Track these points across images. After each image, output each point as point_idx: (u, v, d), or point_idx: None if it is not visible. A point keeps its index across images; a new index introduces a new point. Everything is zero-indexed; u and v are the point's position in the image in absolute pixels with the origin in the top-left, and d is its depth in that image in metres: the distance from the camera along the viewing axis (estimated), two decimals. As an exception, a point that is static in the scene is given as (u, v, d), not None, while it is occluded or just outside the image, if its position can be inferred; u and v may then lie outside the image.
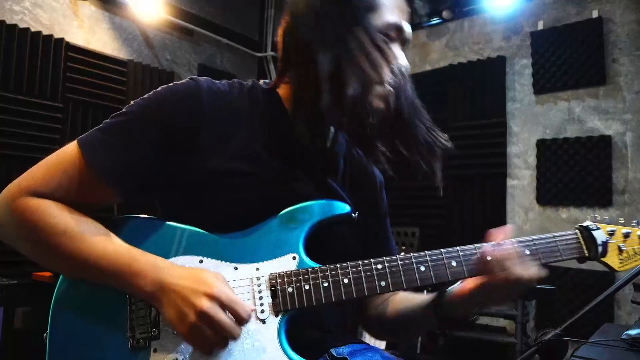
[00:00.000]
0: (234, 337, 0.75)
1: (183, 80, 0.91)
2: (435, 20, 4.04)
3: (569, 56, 3.37)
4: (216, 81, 0.94)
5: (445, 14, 3.85)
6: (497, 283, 0.85)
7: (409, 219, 3.87)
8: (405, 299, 1.07)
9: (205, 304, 0.72)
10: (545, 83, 3.48)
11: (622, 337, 1.18)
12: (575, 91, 3.38)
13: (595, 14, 3.30)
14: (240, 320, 0.75)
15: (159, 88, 0.90)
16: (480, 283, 0.88)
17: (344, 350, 0.96)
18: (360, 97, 0.86)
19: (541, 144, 3.48)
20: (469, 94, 3.83)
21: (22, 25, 3.04)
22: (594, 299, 1.23)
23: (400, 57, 0.95)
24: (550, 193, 3.40)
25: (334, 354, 0.95)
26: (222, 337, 0.74)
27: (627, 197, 3.13)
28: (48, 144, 3.01)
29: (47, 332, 0.84)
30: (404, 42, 0.97)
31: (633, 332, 1.18)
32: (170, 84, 0.90)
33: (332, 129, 1.01)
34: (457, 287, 0.93)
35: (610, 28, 3.26)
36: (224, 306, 0.73)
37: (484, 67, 3.78)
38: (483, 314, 3.33)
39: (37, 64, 3.09)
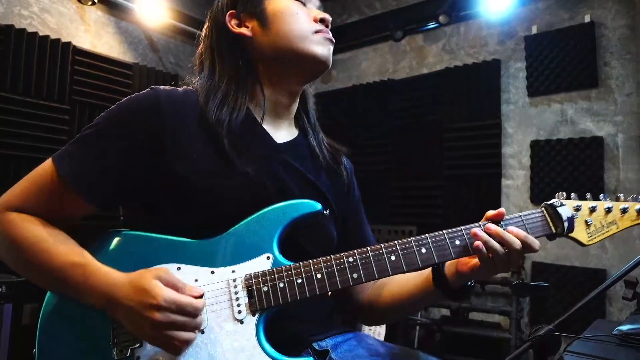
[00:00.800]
0: (197, 328, 0.77)
1: (143, 91, 0.93)
2: (432, 25, 4.04)
3: (562, 59, 3.37)
4: (176, 88, 0.96)
5: (441, 18, 3.84)
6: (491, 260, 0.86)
7: (406, 218, 3.88)
8: (398, 280, 1.07)
9: (157, 316, 0.72)
10: (539, 86, 3.48)
11: (614, 333, 1.18)
12: (568, 94, 3.38)
13: (587, 19, 3.30)
14: (195, 315, 0.76)
15: (122, 99, 0.92)
16: (476, 261, 0.89)
17: (327, 342, 0.97)
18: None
19: (535, 145, 3.48)
20: (465, 96, 3.83)
21: (30, 29, 3.04)
22: (587, 295, 1.23)
23: (315, 11, 1.02)
24: (543, 193, 3.40)
25: (316, 347, 0.95)
26: (186, 334, 0.75)
27: (594, 196, 3.13)
28: (55, 145, 3.01)
29: (36, 347, 0.84)
30: (315, 3, 1.05)
31: (624, 327, 1.18)
32: (132, 95, 0.92)
33: (292, 124, 1.07)
34: (454, 264, 0.94)
35: (601, 32, 3.26)
36: (174, 311, 0.73)
37: (480, 70, 3.77)
38: (478, 310, 3.34)
39: (45, 67, 3.09)
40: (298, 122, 1.10)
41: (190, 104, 0.94)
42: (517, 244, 0.85)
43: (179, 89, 0.97)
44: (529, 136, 3.53)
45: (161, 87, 0.94)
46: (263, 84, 1.01)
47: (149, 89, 0.93)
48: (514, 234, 0.86)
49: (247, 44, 1.00)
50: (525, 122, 3.57)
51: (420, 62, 4.17)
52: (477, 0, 3.71)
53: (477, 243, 0.85)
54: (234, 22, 1.01)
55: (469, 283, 0.96)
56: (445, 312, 3.45)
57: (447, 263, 0.95)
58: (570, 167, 3.29)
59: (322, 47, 0.99)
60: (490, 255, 0.85)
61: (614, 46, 3.22)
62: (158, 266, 0.82)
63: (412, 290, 1.02)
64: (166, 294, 0.74)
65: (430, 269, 0.98)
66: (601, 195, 0.98)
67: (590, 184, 3.18)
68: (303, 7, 1.01)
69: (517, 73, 3.63)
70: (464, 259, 0.91)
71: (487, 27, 3.81)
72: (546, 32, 3.47)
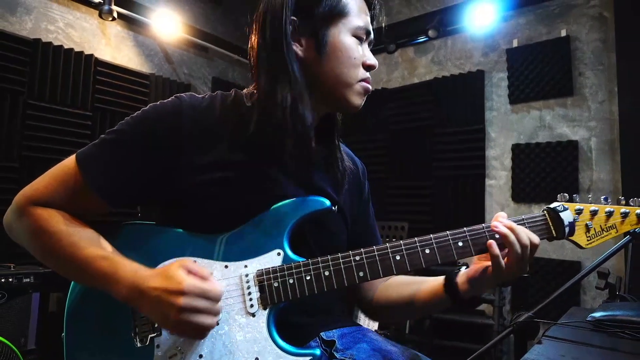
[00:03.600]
0: (217, 314, 0.74)
1: (169, 99, 0.88)
2: (422, 39, 4.04)
3: (540, 70, 3.37)
4: (199, 96, 0.90)
5: (430, 32, 3.84)
6: (507, 262, 0.82)
7: (399, 215, 3.88)
8: (409, 283, 1.02)
9: (181, 301, 0.69)
10: (520, 94, 3.48)
11: (588, 319, 1.18)
12: (546, 101, 3.38)
13: (563, 33, 3.30)
14: (216, 301, 0.73)
15: (147, 106, 0.87)
16: (488, 265, 0.84)
17: (333, 333, 0.94)
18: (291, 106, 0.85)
19: (516, 148, 3.48)
20: (452, 103, 3.83)
21: (56, 43, 3.04)
22: (563, 285, 1.23)
23: (368, 56, 0.93)
24: (523, 192, 3.40)
25: (324, 337, 0.93)
26: (208, 319, 0.72)
27: (591, 195, 3.13)
28: (78, 148, 3.00)
29: (64, 333, 0.83)
30: (370, 42, 0.95)
31: (597, 314, 1.18)
32: (157, 103, 0.87)
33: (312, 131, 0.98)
34: (467, 270, 0.89)
35: (576, 46, 3.26)
36: (197, 295, 0.71)
37: (465, 80, 3.77)
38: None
39: (70, 77, 3.09)
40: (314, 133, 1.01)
41: (213, 113, 0.88)
42: (535, 238, 0.83)
43: (204, 97, 0.90)
44: (511, 140, 3.53)
45: (186, 95, 0.89)
46: None
47: (173, 97, 0.88)
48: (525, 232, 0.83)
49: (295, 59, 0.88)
50: (507, 127, 3.57)
51: (412, 73, 4.17)
52: (463, 16, 3.71)
53: (491, 242, 0.82)
54: (291, 31, 0.87)
55: (482, 295, 0.91)
56: (434, 300, 3.44)
57: (460, 273, 0.91)
58: (548, 168, 3.29)
59: (359, 98, 0.93)
60: (509, 251, 0.81)
61: (588, 58, 3.22)
62: (183, 258, 0.80)
63: (424, 296, 0.96)
64: (190, 280, 0.72)
65: (443, 277, 0.93)
66: (602, 198, 0.91)
67: (566, 184, 3.18)
68: (360, 47, 0.91)
69: (500, 82, 3.63)
70: (474, 268, 0.87)
71: (472, 40, 3.81)
72: (526, 45, 3.47)
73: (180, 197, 0.86)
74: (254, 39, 0.91)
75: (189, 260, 0.77)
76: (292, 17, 0.86)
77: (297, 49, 0.88)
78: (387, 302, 1.04)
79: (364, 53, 0.91)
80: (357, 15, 0.89)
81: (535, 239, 0.83)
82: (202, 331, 0.75)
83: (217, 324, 0.79)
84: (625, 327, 1.10)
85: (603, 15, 3.18)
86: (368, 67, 0.92)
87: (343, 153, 1.03)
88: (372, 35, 0.94)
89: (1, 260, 2.46)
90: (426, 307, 0.98)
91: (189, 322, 0.71)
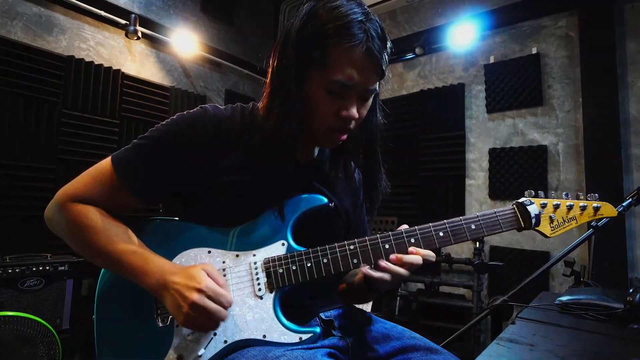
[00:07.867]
0: (222, 319, 0.73)
1: (194, 109, 0.88)
2: (409, 56, 4.04)
3: (514, 83, 3.37)
4: (221, 107, 0.90)
5: (417, 50, 3.85)
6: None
7: (389, 211, 3.88)
8: (354, 274, 1.00)
9: (195, 297, 0.70)
10: (496, 104, 3.48)
11: (556, 303, 1.18)
12: (519, 110, 3.38)
13: (534, 51, 3.30)
14: (224, 306, 0.73)
15: (175, 115, 0.87)
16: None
17: (331, 313, 0.94)
18: (278, 129, 0.82)
19: (492, 152, 3.48)
20: (436, 113, 3.82)
21: (87, 59, 3.04)
22: (534, 272, 1.24)
23: (347, 107, 0.81)
24: (499, 190, 3.40)
25: (323, 317, 0.93)
26: (213, 319, 0.73)
27: (558, 193, 3.13)
28: (107, 152, 2.97)
29: (94, 315, 0.84)
30: (359, 94, 0.83)
31: (564, 298, 1.18)
32: (184, 112, 0.87)
33: (314, 146, 0.97)
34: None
35: (546, 62, 3.26)
36: (210, 297, 0.71)
37: (448, 92, 3.77)
38: (446, 284, 3.33)
39: (99, 90, 3.09)
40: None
41: (234, 122, 0.88)
42: (417, 259, 0.79)
43: (226, 108, 0.90)
44: (488, 145, 3.53)
45: (210, 106, 0.88)
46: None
47: (199, 108, 0.88)
48: (414, 253, 0.80)
49: None
50: (485, 133, 3.57)
51: (400, 86, 4.17)
52: (446, 35, 3.71)
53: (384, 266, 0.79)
54: (285, 65, 0.83)
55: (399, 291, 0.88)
56: (420, 286, 3.45)
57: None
58: (520, 169, 3.29)
59: (330, 143, 0.89)
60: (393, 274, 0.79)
61: (556, 72, 3.22)
62: (206, 262, 0.81)
63: (355, 284, 0.96)
64: (208, 282, 0.72)
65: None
66: (564, 194, 0.92)
67: (536, 183, 3.18)
68: (335, 101, 0.81)
69: (478, 94, 3.63)
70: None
71: (454, 57, 3.81)
72: (501, 61, 3.47)
73: (200, 196, 0.86)
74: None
75: (211, 265, 0.78)
76: (291, 54, 0.80)
77: (292, 82, 0.81)
78: (346, 286, 1.03)
79: (342, 104, 0.81)
80: (340, 69, 0.77)
81: (417, 259, 0.79)
82: (205, 330, 0.75)
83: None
84: (588, 309, 1.10)
85: (569, 35, 3.18)
86: (342, 118, 0.81)
87: (352, 168, 1.02)
88: (354, 89, 0.80)
89: (39, 251, 2.46)
90: (360, 296, 0.96)
91: (196, 318, 0.71)
